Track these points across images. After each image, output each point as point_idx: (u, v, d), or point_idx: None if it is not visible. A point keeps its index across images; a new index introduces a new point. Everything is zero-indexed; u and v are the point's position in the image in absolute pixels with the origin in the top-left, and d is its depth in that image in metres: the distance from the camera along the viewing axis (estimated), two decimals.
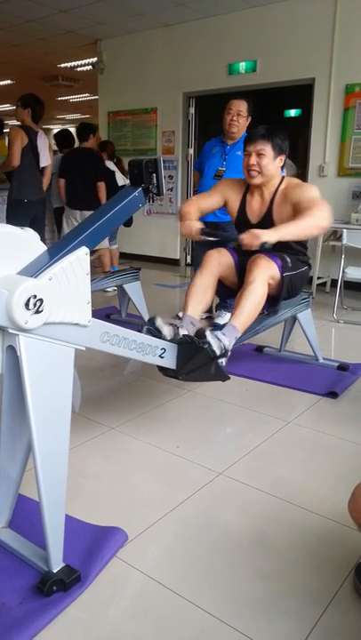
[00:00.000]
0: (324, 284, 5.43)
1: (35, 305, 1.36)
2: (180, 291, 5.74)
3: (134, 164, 1.79)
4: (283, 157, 2.54)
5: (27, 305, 1.34)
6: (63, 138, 5.65)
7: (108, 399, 2.69)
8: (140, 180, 1.79)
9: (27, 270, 1.44)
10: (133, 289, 3.85)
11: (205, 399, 2.68)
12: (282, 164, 2.57)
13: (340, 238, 4.47)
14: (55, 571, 1.42)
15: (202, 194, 2.84)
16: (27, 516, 1.67)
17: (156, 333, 2.11)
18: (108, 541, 1.56)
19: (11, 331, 1.36)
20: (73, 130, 5.61)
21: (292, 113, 8.70)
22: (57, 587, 1.39)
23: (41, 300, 1.38)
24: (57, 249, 1.54)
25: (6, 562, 1.52)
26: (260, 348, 3.42)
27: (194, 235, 2.48)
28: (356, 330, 4.08)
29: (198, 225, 2.48)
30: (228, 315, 4.01)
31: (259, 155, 2.50)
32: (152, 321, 2.15)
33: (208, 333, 2.12)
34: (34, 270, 1.42)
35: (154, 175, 1.78)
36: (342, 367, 3.08)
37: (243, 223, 2.68)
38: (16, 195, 4.37)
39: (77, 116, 14.79)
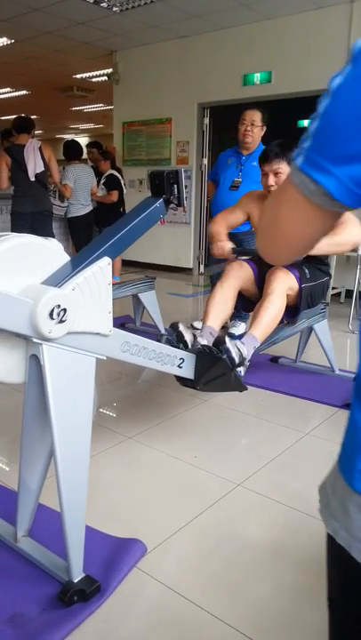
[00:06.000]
0: (338, 295, 5.41)
1: (58, 314, 1.38)
2: (194, 300, 5.75)
3: (155, 174, 1.81)
4: None
5: (51, 314, 1.35)
6: (68, 148, 5.54)
7: (123, 408, 2.69)
8: (161, 190, 1.80)
9: (50, 280, 1.45)
10: (148, 298, 3.86)
11: (221, 409, 2.67)
12: None
13: (355, 249, 4.46)
14: (76, 581, 1.42)
15: (226, 211, 2.90)
16: (46, 524, 1.67)
17: (175, 343, 2.12)
18: (128, 553, 1.56)
19: (35, 340, 1.37)
20: (84, 140, 5.63)
21: (306, 123, 8.75)
22: (77, 597, 1.39)
23: (65, 310, 1.39)
24: (80, 259, 1.55)
25: (26, 571, 1.52)
26: (275, 359, 3.41)
27: (226, 255, 2.59)
28: None
29: (230, 245, 2.60)
30: (243, 324, 4.01)
31: (276, 174, 2.53)
32: (175, 326, 2.16)
33: (228, 340, 2.12)
34: (57, 280, 1.44)
35: (175, 186, 1.79)
36: None
37: None
38: (13, 207, 4.81)
39: (91, 125, 14.93)
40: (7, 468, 2.09)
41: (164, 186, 1.78)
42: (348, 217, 2.47)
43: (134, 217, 1.73)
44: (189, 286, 6.34)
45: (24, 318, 1.33)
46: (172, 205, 1.82)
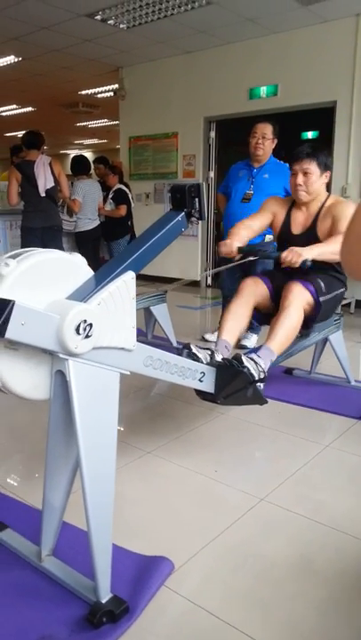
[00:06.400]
0: (348, 305, 5.39)
1: (85, 330, 1.37)
2: (202, 312, 5.74)
3: (177, 188, 1.81)
4: (328, 174, 2.59)
5: (77, 330, 1.35)
6: (76, 163, 5.57)
7: (140, 422, 2.67)
8: (182, 204, 1.80)
9: (75, 295, 1.44)
10: (160, 311, 3.86)
11: (239, 422, 2.65)
12: (327, 180, 2.61)
13: None
14: (104, 601, 1.39)
15: (249, 217, 2.85)
16: (70, 543, 1.65)
17: (195, 357, 2.11)
18: (155, 571, 1.53)
19: (61, 355, 1.36)
20: (89, 155, 5.67)
21: (310, 135, 8.78)
22: (106, 618, 1.36)
23: (90, 325, 1.38)
24: (104, 274, 1.54)
25: (52, 591, 1.50)
26: (289, 370, 3.39)
27: (233, 253, 2.54)
28: None
29: (237, 244, 2.54)
30: (255, 336, 4.00)
31: (305, 174, 2.54)
32: (187, 347, 2.14)
33: (244, 358, 2.11)
34: (83, 295, 1.43)
35: (196, 200, 1.79)
36: None
37: (285, 234, 2.73)
38: (23, 222, 4.84)
39: (95, 141, 15.07)
40: (27, 486, 2.06)
41: (185, 199, 1.78)
42: None
43: (156, 231, 1.73)
44: (197, 298, 6.34)
45: (51, 334, 1.32)
46: (193, 219, 1.82)
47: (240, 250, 2.55)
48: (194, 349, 2.14)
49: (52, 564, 1.57)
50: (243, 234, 2.65)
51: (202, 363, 2.12)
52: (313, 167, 2.52)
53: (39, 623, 1.38)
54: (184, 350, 2.12)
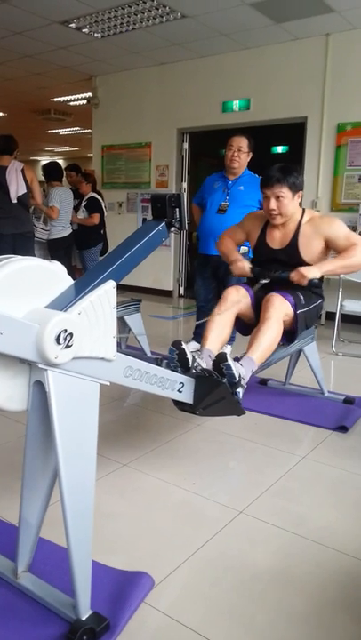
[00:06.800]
0: (319, 317, 5.47)
1: (65, 339, 1.34)
2: (174, 322, 5.73)
3: (157, 198, 1.80)
4: (300, 193, 2.61)
5: (57, 339, 1.31)
6: (52, 170, 5.54)
7: (116, 434, 2.63)
8: (163, 214, 1.79)
9: (55, 304, 1.41)
10: (134, 321, 3.83)
11: (216, 433, 2.64)
12: (300, 199, 2.65)
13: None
14: (84, 618, 1.35)
15: (229, 229, 2.98)
16: (47, 559, 1.60)
17: (175, 361, 2.11)
18: (136, 587, 1.50)
19: (40, 366, 1.32)
20: (61, 163, 5.59)
21: (280, 149, 8.93)
22: (87, 636, 1.32)
23: (71, 335, 1.35)
24: (84, 283, 1.52)
25: (29, 609, 1.44)
26: (263, 381, 3.40)
27: (248, 274, 2.71)
28: (356, 362, 4.10)
29: (249, 265, 2.71)
30: (229, 347, 3.99)
31: (277, 197, 2.56)
32: (177, 344, 2.13)
33: (229, 358, 2.10)
34: (63, 304, 1.40)
35: (177, 210, 1.78)
36: (348, 401, 3.07)
37: (263, 249, 2.77)
38: None
39: (66, 148, 14.98)
40: (2, 501, 2.00)
41: (165, 209, 1.78)
42: (351, 239, 2.54)
43: (137, 240, 1.72)
44: (170, 308, 6.33)
45: (30, 343, 1.28)
46: (173, 229, 1.81)
47: (252, 270, 2.70)
48: (184, 346, 2.14)
49: (28, 580, 1.52)
50: (236, 250, 2.84)
51: (188, 362, 2.12)
52: (285, 191, 2.54)
53: None
54: (163, 361, 2.11)
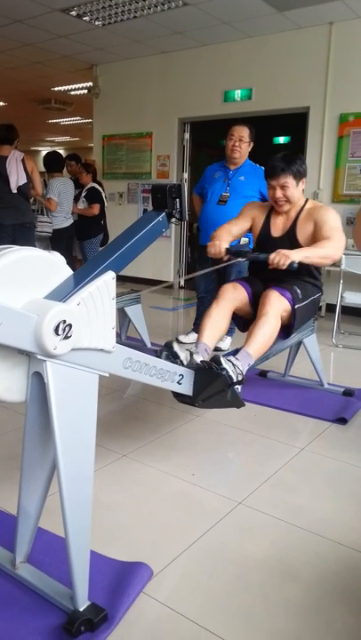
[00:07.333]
0: (319, 309, 5.46)
1: (64, 330, 1.33)
2: (175, 314, 5.72)
3: (158, 188, 1.78)
4: (304, 180, 2.64)
5: (56, 330, 1.31)
6: (52, 161, 5.47)
7: (115, 425, 2.63)
8: (163, 204, 1.77)
9: (54, 294, 1.40)
10: (135, 312, 3.82)
11: (215, 425, 2.64)
12: (304, 186, 2.66)
13: (335, 264, 4.51)
14: (82, 609, 1.35)
15: (231, 220, 2.91)
16: (46, 550, 1.61)
17: (173, 359, 2.09)
18: (134, 577, 1.50)
19: (39, 357, 1.32)
20: (61, 152, 5.54)
21: (281, 140, 8.87)
22: (85, 627, 1.32)
23: (70, 326, 1.34)
24: (83, 273, 1.51)
25: (27, 600, 1.45)
26: (263, 373, 3.40)
27: (221, 254, 2.58)
28: (356, 354, 4.09)
29: (225, 245, 2.60)
30: (229, 338, 3.99)
31: (283, 187, 2.59)
32: (169, 346, 2.12)
33: (223, 360, 2.10)
34: (62, 295, 1.39)
35: (177, 200, 1.77)
36: (348, 393, 3.07)
37: (265, 237, 2.77)
38: None
39: (67, 138, 14.89)
40: (3, 491, 2.00)
41: (166, 200, 1.76)
42: (335, 232, 2.50)
43: (137, 231, 1.70)
44: (170, 300, 6.32)
45: (28, 334, 1.28)
46: (173, 219, 1.80)
47: (228, 251, 2.60)
48: (175, 347, 2.13)
49: (26, 571, 1.52)
50: (225, 237, 2.70)
51: (182, 362, 2.11)
52: (289, 180, 2.57)
53: (12, 634, 1.33)
54: (163, 352, 2.10)
